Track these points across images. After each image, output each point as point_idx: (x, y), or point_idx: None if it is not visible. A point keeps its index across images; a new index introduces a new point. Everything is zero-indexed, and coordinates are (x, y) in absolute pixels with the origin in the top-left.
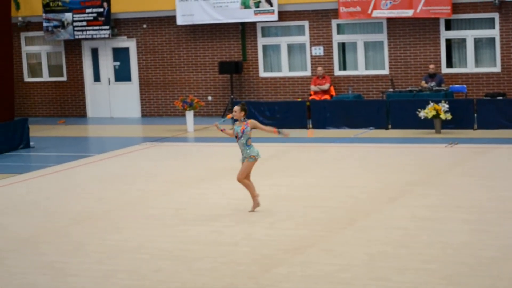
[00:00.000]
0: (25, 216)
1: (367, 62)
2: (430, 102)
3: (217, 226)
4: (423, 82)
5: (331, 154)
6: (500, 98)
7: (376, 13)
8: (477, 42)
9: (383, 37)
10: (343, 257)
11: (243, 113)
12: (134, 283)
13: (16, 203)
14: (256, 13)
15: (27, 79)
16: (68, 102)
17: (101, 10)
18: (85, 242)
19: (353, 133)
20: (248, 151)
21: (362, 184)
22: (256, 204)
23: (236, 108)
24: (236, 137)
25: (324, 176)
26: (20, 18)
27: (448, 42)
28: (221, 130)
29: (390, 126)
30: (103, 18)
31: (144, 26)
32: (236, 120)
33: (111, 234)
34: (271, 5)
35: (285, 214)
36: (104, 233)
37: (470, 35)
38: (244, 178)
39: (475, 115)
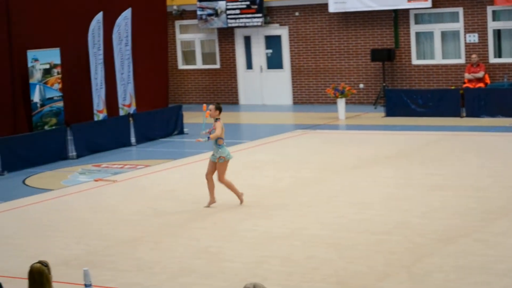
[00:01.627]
0: (179, 202)
1: None
2: None
3: (370, 214)
4: None
5: (485, 143)
6: None
7: None
8: None
9: None
10: (498, 248)
11: (217, 112)
12: (286, 269)
13: (171, 188)
14: (409, 0)
15: (181, 66)
16: (221, 89)
17: None
18: (238, 228)
19: (508, 121)
20: (219, 150)
21: None
22: (240, 200)
23: (211, 107)
24: (210, 132)
25: (478, 165)
26: (175, 7)
27: None
28: (208, 136)
29: None
30: (256, 6)
31: (297, 13)
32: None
33: (264, 221)
34: None
35: (438, 204)
36: (256, 219)
37: None
38: (224, 178)
39: None
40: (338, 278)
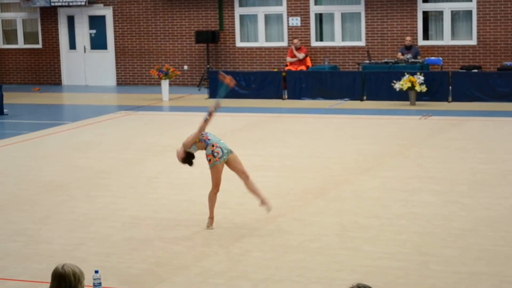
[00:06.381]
0: None
1: (344, 34)
2: (406, 74)
3: (190, 196)
4: (399, 54)
5: (306, 124)
6: (475, 71)
7: None
8: (454, 14)
9: (360, 8)
10: (314, 227)
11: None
12: (105, 251)
13: None
14: None
15: (2, 45)
16: (43, 70)
17: None
18: (57, 210)
19: (328, 104)
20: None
21: (336, 155)
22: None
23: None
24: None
25: (298, 146)
26: None
27: (425, 14)
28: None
29: (365, 98)
30: None
31: None
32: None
33: (83, 203)
34: None
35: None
36: (76, 201)
37: (447, 7)
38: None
39: (450, 87)
40: (157, 258)
